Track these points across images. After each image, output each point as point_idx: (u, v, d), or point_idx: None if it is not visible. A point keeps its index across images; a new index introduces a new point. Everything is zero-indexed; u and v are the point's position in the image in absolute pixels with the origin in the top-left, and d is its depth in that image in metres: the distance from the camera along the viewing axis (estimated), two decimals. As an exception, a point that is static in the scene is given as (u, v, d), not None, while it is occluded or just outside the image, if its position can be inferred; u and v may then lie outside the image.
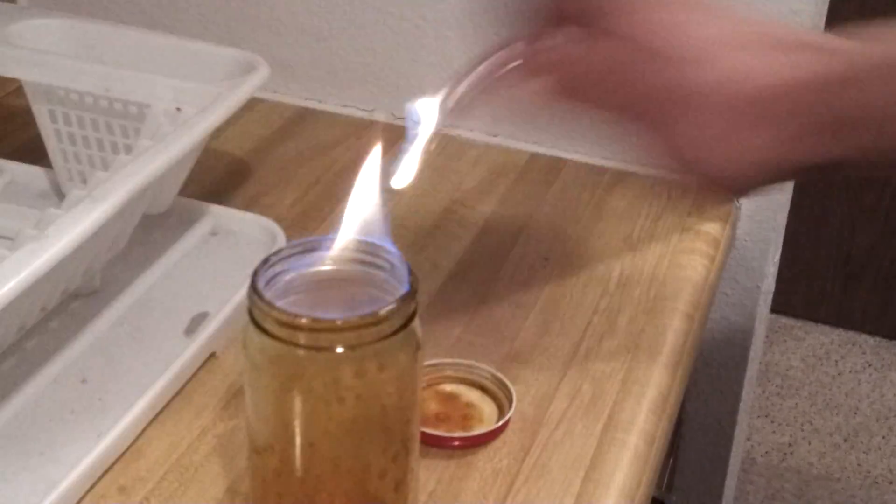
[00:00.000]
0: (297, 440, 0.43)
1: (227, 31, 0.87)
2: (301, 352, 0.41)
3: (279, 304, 0.42)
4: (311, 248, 0.44)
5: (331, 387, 0.42)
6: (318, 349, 0.41)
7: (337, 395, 0.42)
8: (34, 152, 0.69)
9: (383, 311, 0.41)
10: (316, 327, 0.41)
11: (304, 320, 0.41)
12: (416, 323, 0.43)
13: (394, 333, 0.41)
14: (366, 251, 0.44)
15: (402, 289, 0.42)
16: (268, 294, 0.42)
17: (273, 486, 0.45)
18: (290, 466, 0.44)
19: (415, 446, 0.46)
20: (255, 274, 0.42)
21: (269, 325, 0.41)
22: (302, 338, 0.41)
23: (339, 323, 0.41)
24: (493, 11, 0.52)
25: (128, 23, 0.88)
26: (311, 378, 0.42)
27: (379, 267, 0.44)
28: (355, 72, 0.85)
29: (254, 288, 0.42)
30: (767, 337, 1.38)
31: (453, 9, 0.80)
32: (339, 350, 0.41)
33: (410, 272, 0.43)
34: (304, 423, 0.43)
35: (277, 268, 0.43)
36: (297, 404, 0.42)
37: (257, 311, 0.41)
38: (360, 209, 0.44)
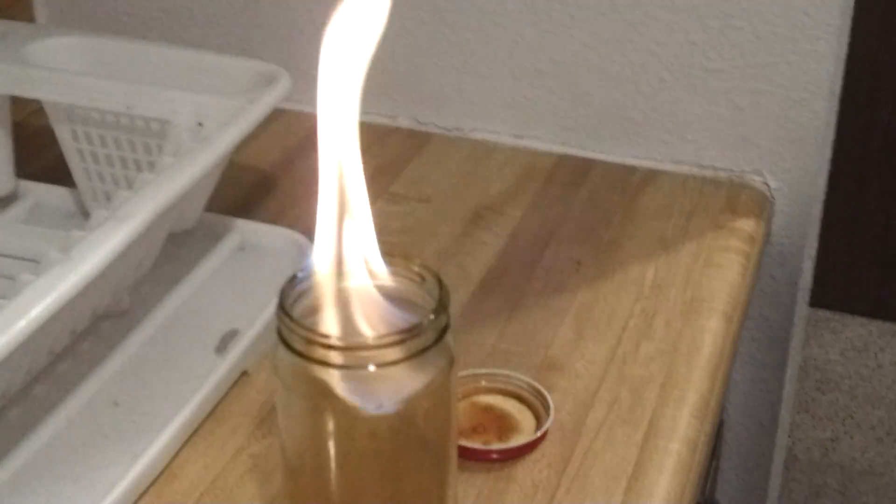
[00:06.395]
0: (332, 460, 0.42)
1: (249, 42, 0.86)
2: (332, 371, 0.40)
3: (308, 321, 0.41)
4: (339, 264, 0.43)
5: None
6: (350, 368, 0.40)
7: (370, 414, 0.41)
8: (58, 173, 0.69)
9: (415, 327, 0.40)
10: (347, 346, 0.40)
11: (334, 339, 0.40)
12: (450, 337, 0.42)
13: (427, 349, 0.40)
14: (395, 264, 0.43)
15: (434, 302, 0.41)
16: (296, 312, 0.41)
17: (309, 508, 0.44)
18: (325, 486, 0.43)
19: (453, 462, 0.45)
20: (283, 292, 0.41)
21: (298, 345, 0.40)
22: (332, 357, 0.40)
23: (370, 341, 0.40)
24: None
25: (147, 38, 0.87)
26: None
27: (409, 279, 0.43)
28: (376, 79, 0.84)
29: (281, 306, 0.41)
30: (804, 331, 1.35)
31: (473, 10, 0.79)
32: (371, 368, 0.40)
33: (441, 284, 0.42)
34: (338, 442, 0.42)
35: (305, 284, 0.42)
36: (330, 424, 0.41)
37: (286, 329, 0.40)
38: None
